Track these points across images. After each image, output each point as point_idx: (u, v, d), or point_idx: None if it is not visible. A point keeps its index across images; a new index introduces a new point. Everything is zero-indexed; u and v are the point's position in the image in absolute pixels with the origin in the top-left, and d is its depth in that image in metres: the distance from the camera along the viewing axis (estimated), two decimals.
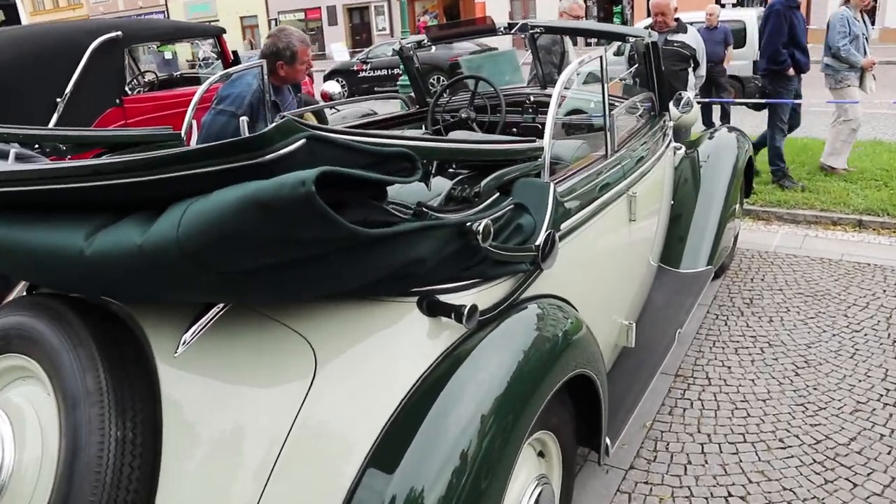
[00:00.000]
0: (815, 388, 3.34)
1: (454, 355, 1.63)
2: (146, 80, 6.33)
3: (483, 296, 1.70)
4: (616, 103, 3.73)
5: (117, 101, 4.80)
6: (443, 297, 1.62)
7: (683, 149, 3.60)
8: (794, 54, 6.30)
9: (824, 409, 3.17)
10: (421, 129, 4.10)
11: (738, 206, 4.70)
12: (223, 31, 5.85)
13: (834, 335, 3.84)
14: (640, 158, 2.75)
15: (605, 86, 2.41)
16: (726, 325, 4.06)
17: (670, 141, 3.47)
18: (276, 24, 39.48)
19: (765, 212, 5.99)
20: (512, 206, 1.75)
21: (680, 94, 3.42)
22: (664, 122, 3.43)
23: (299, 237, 1.20)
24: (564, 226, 2.02)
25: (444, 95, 4.00)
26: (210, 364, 1.58)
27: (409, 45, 3.96)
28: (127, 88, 4.93)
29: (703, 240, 3.95)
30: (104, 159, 1.40)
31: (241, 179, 1.20)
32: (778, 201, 6.07)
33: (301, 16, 38.77)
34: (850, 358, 3.59)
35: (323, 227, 1.15)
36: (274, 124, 1.20)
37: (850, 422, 3.06)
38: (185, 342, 1.60)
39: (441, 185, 1.90)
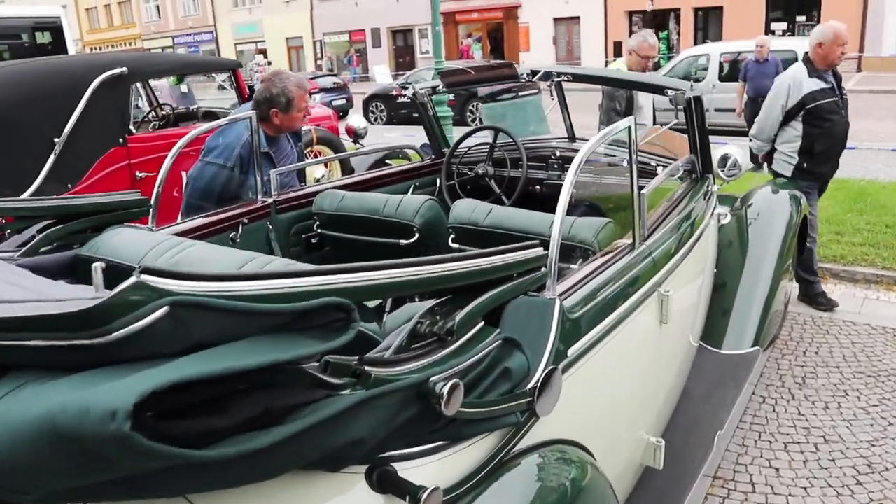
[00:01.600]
0: None
1: None
2: (163, 113, 6.12)
3: (456, 460, 1.31)
4: (650, 165, 3.31)
5: (120, 140, 4.54)
6: (400, 466, 1.23)
7: (729, 215, 3.15)
8: None
9: None
10: (436, 182, 3.74)
11: (790, 266, 4.22)
12: (239, 65, 5.59)
13: None
14: (676, 244, 2.33)
15: (634, 160, 2.01)
16: (774, 410, 3.57)
17: (714, 208, 3.03)
18: (322, 46, 39.92)
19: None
20: (499, 342, 1.36)
21: (726, 155, 2.98)
22: (707, 186, 3.00)
23: (134, 468, 0.83)
24: (574, 349, 1.61)
25: (461, 147, 3.63)
26: None
27: (423, 91, 3.60)
28: (132, 127, 4.67)
29: (749, 314, 3.47)
30: None
31: (77, 364, 0.84)
32: (834, 257, 5.52)
33: (346, 37, 39.05)
34: None
35: (162, 460, 0.78)
36: (122, 286, 0.83)
37: None
38: None
39: (412, 309, 1.53)
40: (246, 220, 2.86)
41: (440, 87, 3.50)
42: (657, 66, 5.98)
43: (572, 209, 3.45)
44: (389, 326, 1.44)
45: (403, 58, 36.98)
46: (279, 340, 0.96)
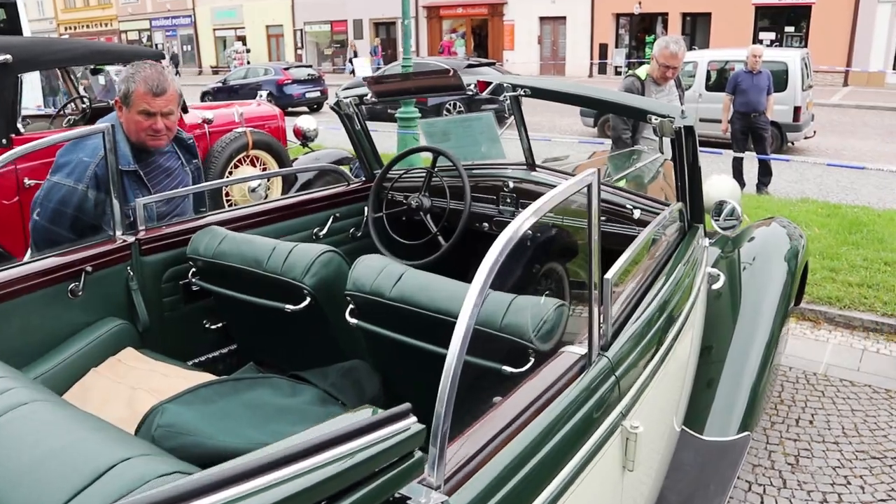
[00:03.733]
0: None
1: None
2: (82, 107, 5.36)
3: None
4: (624, 208, 2.65)
5: (4, 140, 3.81)
6: None
7: (722, 277, 2.51)
8: None
9: None
10: (364, 212, 3.06)
11: (786, 321, 3.62)
12: (161, 55, 4.84)
13: None
14: (655, 343, 1.68)
15: (594, 236, 1.35)
16: (762, 502, 2.95)
17: (704, 267, 2.39)
18: (303, 35, 38.92)
19: (812, 311, 4.86)
20: None
21: (723, 202, 2.35)
22: (697, 240, 2.35)
23: None
24: None
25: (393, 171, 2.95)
26: None
27: (349, 101, 2.92)
28: (20, 126, 3.92)
29: (738, 387, 2.86)
30: None
31: None
32: (829, 298, 4.92)
33: (327, 28, 38.15)
34: None
35: None
36: None
37: None
38: None
39: None
40: (90, 269, 2.17)
41: (368, 95, 2.83)
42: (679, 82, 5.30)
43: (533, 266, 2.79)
44: None
45: (385, 51, 36.15)
46: None
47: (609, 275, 1.40)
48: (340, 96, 2.92)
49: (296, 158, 6.22)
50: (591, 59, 29.21)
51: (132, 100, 2.44)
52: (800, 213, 6.85)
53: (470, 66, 17.60)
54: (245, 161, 5.43)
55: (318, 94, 20.76)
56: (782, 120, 11.27)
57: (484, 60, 20.28)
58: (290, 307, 2.06)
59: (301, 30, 38.85)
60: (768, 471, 3.17)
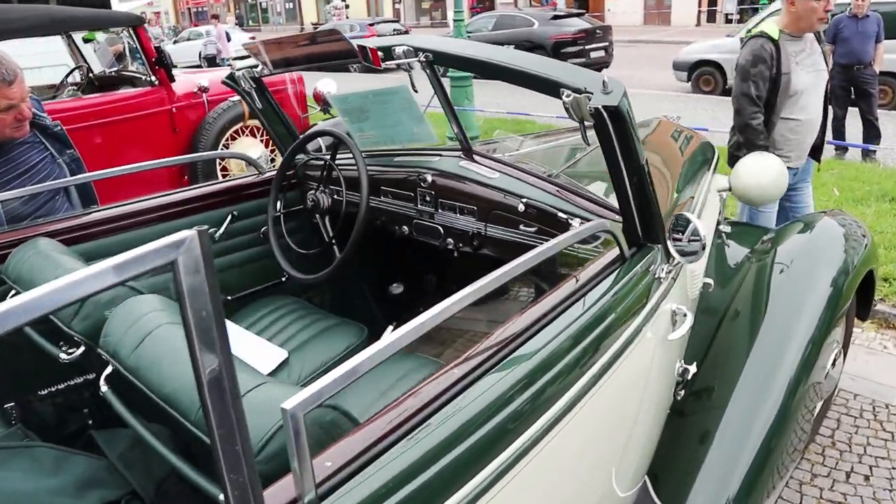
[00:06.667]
0: None
1: None
2: (89, 76, 5.05)
3: None
4: (560, 217, 1.93)
5: None
6: None
7: (688, 320, 1.75)
8: None
9: None
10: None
11: (839, 344, 2.80)
12: (141, 20, 4.40)
13: None
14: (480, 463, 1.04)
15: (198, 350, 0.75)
16: None
17: (659, 304, 1.67)
18: None
19: (883, 314, 3.92)
20: None
21: (683, 217, 1.61)
22: (644, 269, 1.62)
23: None
24: None
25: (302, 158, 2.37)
26: None
27: (241, 71, 2.35)
28: None
29: (741, 448, 2.15)
30: None
31: None
32: None
33: None
34: None
35: None
36: None
37: None
38: None
39: None
40: None
41: (259, 67, 2.25)
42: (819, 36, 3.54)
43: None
44: None
45: (483, 3, 35.02)
46: None
47: (291, 404, 0.79)
48: (234, 68, 2.36)
49: (314, 125, 5.72)
50: (700, 6, 27.01)
51: None
52: None
53: (556, 17, 16.44)
54: (244, 132, 4.98)
55: None
56: None
57: (574, 11, 19.00)
58: (64, 355, 1.57)
59: None
60: None
